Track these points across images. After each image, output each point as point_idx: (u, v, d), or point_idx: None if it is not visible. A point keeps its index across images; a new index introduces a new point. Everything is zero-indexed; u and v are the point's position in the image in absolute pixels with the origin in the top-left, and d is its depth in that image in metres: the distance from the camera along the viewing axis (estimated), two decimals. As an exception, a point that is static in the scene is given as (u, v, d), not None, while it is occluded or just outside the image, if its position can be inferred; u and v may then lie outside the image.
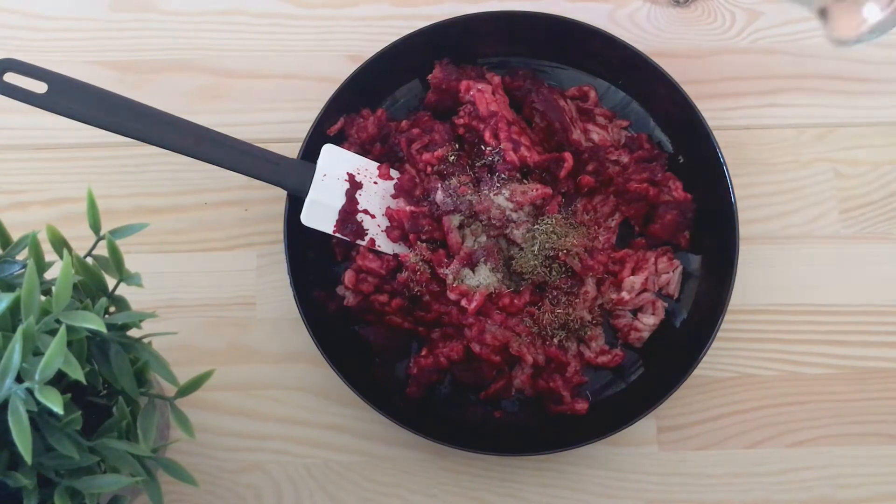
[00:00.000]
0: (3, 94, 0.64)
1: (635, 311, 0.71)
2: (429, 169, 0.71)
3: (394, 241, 0.70)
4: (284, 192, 0.68)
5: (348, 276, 0.69)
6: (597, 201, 0.73)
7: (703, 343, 0.67)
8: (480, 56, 0.75)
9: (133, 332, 0.49)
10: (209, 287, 0.72)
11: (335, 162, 0.70)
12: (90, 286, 0.48)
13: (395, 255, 0.69)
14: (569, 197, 0.72)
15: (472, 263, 0.68)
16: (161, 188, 0.74)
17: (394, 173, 0.71)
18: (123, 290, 0.50)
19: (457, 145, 0.72)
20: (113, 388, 0.48)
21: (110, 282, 0.49)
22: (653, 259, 0.71)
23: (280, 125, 0.75)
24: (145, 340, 0.49)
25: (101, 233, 0.50)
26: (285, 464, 0.69)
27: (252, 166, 0.67)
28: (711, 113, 0.72)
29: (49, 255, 0.47)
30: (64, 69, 0.65)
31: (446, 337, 0.69)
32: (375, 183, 0.71)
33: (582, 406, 0.68)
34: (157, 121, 0.66)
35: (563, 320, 0.69)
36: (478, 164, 0.71)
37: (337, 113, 0.72)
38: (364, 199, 0.70)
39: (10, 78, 0.64)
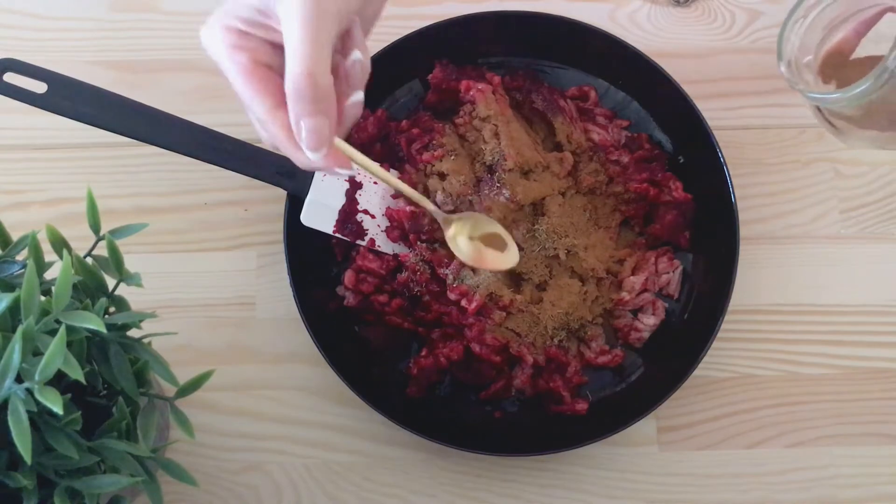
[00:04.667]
0: (3, 94, 0.64)
1: (635, 311, 0.71)
2: (429, 169, 0.71)
3: (394, 241, 0.70)
4: (284, 192, 0.68)
5: (348, 276, 0.69)
6: (597, 201, 0.73)
7: (703, 343, 0.67)
8: (480, 56, 0.75)
9: (133, 333, 0.49)
10: (209, 287, 0.72)
11: (335, 162, 0.69)
12: (90, 286, 0.48)
13: (395, 255, 0.69)
14: (569, 197, 0.72)
15: (472, 263, 0.68)
16: (161, 188, 0.74)
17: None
18: (123, 290, 0.50)
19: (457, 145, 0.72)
20: (113, 388, 0.48)
21: (110, 282, 0.49)
22: (653, 259, 0.71)
23: (280, 125, 0.75)
24: (145, 341, 0.49)
25: (101, 233, 0.50)
26: (285, 464, 0.69)
27: (252, 166, 0.67)
28: (711, 113, 0.72)
29: (49, 255, 0.47)
30: (64, 69, 0.65)
31: (446, 337, 0.68)
32: (375, 183, 0.71)
33: (582, 406, 0.68)
34: (156, 121, 0.66)
35: (564, 320, 0.69)
36: (478, 163, 0.71)
37: (337, 113, 0.72)
38: (364, 199, 0.70)
39: (10, 78, 0.64)
